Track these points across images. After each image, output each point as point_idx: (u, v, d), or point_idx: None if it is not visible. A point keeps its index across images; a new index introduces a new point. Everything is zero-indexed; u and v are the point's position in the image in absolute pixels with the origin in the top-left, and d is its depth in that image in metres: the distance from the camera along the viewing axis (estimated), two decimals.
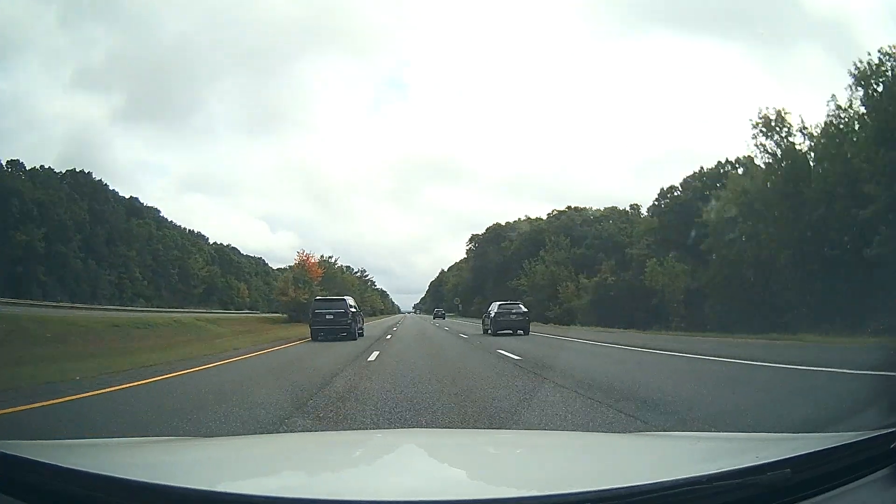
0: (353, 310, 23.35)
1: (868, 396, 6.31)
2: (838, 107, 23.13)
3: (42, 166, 65.70)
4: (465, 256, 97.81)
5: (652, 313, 33.92)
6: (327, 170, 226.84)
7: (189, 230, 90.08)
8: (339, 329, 21.98)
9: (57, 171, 67.08)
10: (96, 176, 70.97)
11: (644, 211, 53.81)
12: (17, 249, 53.89)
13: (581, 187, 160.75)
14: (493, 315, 25.22)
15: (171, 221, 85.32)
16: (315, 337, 21.82)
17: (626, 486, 1.29)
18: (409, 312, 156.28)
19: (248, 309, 79.64)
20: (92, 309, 36.58)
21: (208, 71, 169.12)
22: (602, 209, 65.23)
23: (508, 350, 14.45)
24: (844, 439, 1.54)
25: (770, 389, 7.47)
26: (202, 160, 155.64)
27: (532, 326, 26.14)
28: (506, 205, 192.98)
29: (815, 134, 24.73)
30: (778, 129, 25.66)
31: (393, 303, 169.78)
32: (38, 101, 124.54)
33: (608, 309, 38.81)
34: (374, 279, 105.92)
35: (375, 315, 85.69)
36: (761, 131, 26.04)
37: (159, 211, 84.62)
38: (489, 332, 25.01)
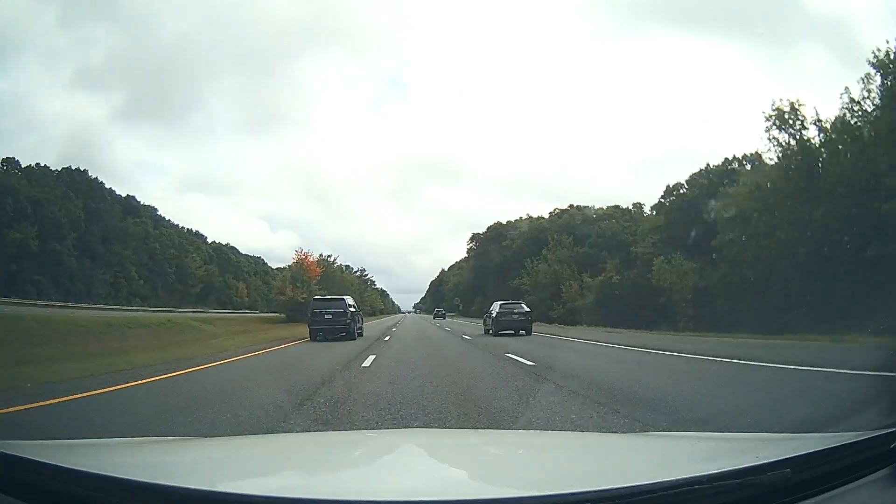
0: (352, 309, 23.38)
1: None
2: (852, 99, 23.04)
3: (38, 164, 65.91)
4: (466, 255, 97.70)
5: (659, 312, 33.74)
6: (327, 169, 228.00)
7: (187, 229, 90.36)
8: (338, 329, 22.00)
9: (53, 168, 67.31)
10: (95, 175, 71.34)
11: (647, 210, 53.97)
12: (11, 247, 54.03)
13: (581, 187, 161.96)
14: (494, 315, 25.05)
15: (169, 220, 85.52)
16: (314, 337, 21.85)
17: (626, 486, 1.31)
18: (409, 312, 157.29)
19: (248, 309, 79.68)
20: (76, 308, 35.74)
21: (208, 70, 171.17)
22: (605, 208, 65.30)
23: (519, 354, 13.19)
24: (844, 439, 1.56)
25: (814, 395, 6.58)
26: (202, 160, 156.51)
27: (535, 326, 25.98)
28: (506, 205, 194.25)
29: (827, 128, 24.54)
30: (791, 121, 25.36)
31: (393, 302, 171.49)
32: (37, 100, 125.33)
33: (613, 308, 38.76)
34: (373, 278, 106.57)
35: (375, 315, 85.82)
36: (775, 124, 25.69)
37: (156, 209, 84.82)
38: (490, 332, 24.86)
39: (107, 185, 72.23)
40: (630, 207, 61.73)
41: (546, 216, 74.45)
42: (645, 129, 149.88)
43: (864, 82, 22.52)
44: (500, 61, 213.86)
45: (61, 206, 60.69)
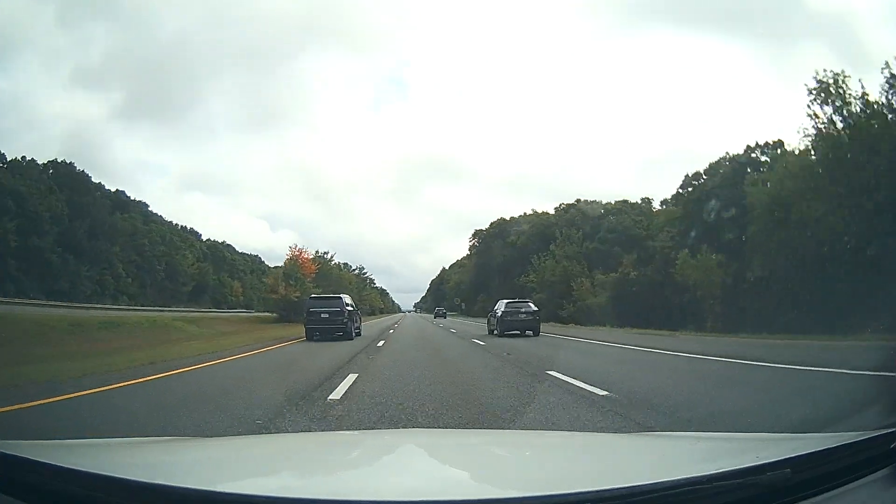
0: (349, 308, 23.45)
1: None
2: (892, 75, 22.23)
3: (23, 157, 65.86)
4: (468, 253, 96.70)
5: (682, 310, 32.43)
6: (327, 169, 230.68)
7: (181, 226, 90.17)
8: (335, 328, 22.07)
9: (40, 162, 67.26)
10: (93, 174, 70.89)
11: (657, 205, 53.76)
12: None
13: (582, 187, 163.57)
14: (499, 314, 24.79)
15: (160, 216, 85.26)
16: (310, 337, 21.97)
17: (626, 486, 1.36)
18: (409, 311, 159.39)
19: (244, 308, 79.56)
20: (47, 305, 34.55)
21: (208, 69, 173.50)
22: (613, 202, 64.74)
23: (570, 372, 9.27)
24: (844, 439, 1.60)
25: None
26: (202, 159, 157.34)
27: (546, 327, 25.35)
28: (506, 204, 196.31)
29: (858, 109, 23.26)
30: (838, 94, 23.64)
31: (393, 302, 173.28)
32: (36, 99, 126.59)
33: (629, 306, 37.37)
34: (373, 277, 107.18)
35: (374, 314, 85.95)
36: (818, 98, 24.01)
37: (147, 205, 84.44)
38: (495, 332, 24.64)
39: (95, 180, 72.06)
40: (639, 201, 61.67)
41: (552, 212, 74.09)
42: (646, 129, 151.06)
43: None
44: (501, 60, 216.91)
45: (42, 199, 60.63)
